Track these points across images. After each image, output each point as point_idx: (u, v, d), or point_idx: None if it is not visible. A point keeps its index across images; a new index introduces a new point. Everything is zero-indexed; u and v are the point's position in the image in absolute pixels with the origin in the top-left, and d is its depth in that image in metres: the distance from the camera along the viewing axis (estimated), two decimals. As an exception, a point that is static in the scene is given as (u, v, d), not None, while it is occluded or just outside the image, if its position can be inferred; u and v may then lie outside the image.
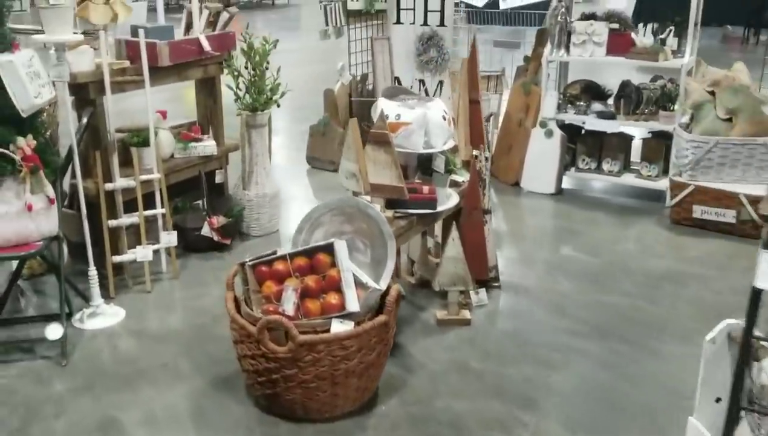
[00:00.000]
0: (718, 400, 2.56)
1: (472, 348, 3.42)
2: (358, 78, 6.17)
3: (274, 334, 2.74)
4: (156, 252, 4.09)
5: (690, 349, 3.40)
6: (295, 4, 21.13)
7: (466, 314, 3.66)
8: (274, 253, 3.01)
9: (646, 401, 3.02)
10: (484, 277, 3.86)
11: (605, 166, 5.55)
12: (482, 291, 3.84)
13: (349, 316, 2.78)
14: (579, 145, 5.63)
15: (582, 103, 5.48)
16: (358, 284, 2.85)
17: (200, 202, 4.84)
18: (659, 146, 5.40)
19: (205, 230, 4.40)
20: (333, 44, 6.51)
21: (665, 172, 5.42)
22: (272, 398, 2.86)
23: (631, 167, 5.61)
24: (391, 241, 2.95)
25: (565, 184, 5.68)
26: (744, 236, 4.66)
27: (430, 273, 3.84)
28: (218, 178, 4.75)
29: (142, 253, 3.97)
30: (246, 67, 4.53)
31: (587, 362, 3.30)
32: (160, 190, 4.09)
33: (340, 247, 2.83)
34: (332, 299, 2.80)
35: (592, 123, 5.45)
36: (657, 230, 4.92)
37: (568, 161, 5.64)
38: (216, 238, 4.41)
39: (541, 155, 5.53)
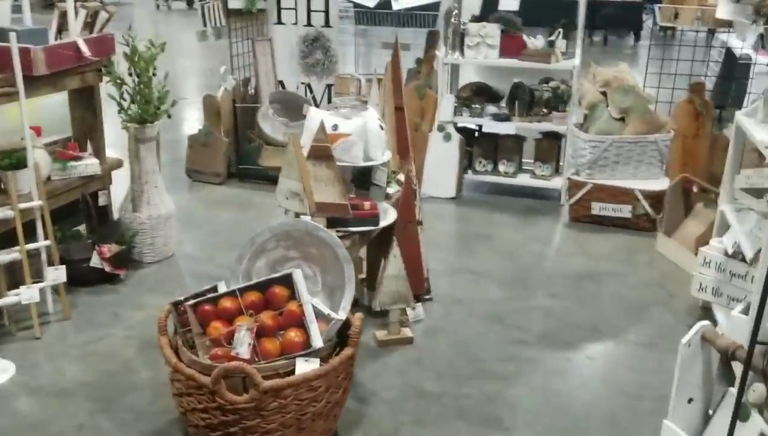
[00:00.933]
0: (690, 401, 2.56)
1: (422, 369, 3.23)
2: (241, 82, 5.77)
3: (229, 382, 2.39)
4: (41, 291, 3.52)
5: (626, 348, 3.46)
6: (126, 2, 19.77)
7: (407, 332, 3.46)
8: (214, 289, 2.65)
9: (606, 406, 2.99)
10: (422, 291, 3.69)
11: (501, 168, 5.58)
12: (418, 306, 3.66)
13: (314, 353, 2.48)
14: (475, 148, 5.61)
15: (476, 105, 5.47)
16: (320, 316, 2.56)
17: (80, 228, 4.27)
18: (551, 146, 5.51)
19: (95, 261, 3.86)
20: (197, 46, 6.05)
21: (557, 171, 5.55)
22: (228, 454, 2.50)
23: (525, 168, 5.69)
24: (348, 265, 2.69)
25: (465, 185, 5.65)
26: (639, 229, 4.85)
27: (359, 292, 3.61)
28: (102, 201, 4.20)
29: (28, 293, 3.39)
30: (130, 75, 4.03)
31: (540, 372, 3.22)
32: (43, 219, 3.52)
33: (298, 277, 2.52)
34: (293, 335, 2.49)
35: (488, 125, 5.46)
36: (559, 228, 5.01)
37: (466, 165, 5.60)
38: (108, 269, 3.88)
39: (441, 159, 5.45)
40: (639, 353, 3.41)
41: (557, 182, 5.45)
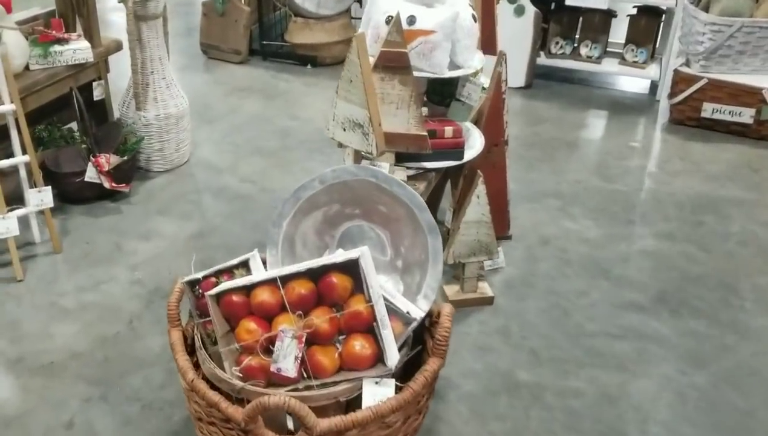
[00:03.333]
0: None
1: (511, 346, 2.48)
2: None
3: (269, 414, 1.66)
4: (22, 218, 2.76)
5: (782, 322, 2.66)
6: None
7: (486, 288, 2.70)
8: (245, 264, 1.86)
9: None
10: (505, 233, 2.88)
11: (583, 51, 4.58)
12: (499, 251, 2.87)
13: (388, 372, 1.73)
14: (552, 25, 4.59)
15: (559, -29, 4.38)
16: (394, 313, 1.78)
17: (73, 127, 3.44)
18: (650, 26, 4.46)
19: (91, 175, 3.06)
20: None
21: (652, 57, 4.54)
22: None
23: (612, 50, 4.67)
24: (434, 236, 1.87)
25: (536, 72, 4.68)
26: (761, 138, 3.93)
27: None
28: (97, 94, 3.34)
29: (3, 225, 2.64)
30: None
31: (669, 357, 2.46)
32: (18, 127, 2.69)
33: (367, 262, 1.71)
34: (359, 346, 1.72)
35: (573, -3, 4.39)
36: (658, 134, 4.10)
37: (538, 45, 4.60)
38: (108, 185, 3.09)
39: (509, 39, 4.43)
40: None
41: (653, 72, 4.45)
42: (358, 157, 1.97)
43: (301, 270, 1.73)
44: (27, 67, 3.00)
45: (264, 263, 1.93)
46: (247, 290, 1.76)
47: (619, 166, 3.70)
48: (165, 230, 3.03)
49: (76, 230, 3.00)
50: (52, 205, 2.80)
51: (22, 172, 2.77)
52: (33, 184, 2.79)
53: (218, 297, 1.77)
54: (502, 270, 2.85)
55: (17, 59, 2.91)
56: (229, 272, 1.88)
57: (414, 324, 1.78)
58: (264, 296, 1.74)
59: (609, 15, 4.54)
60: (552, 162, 3.73)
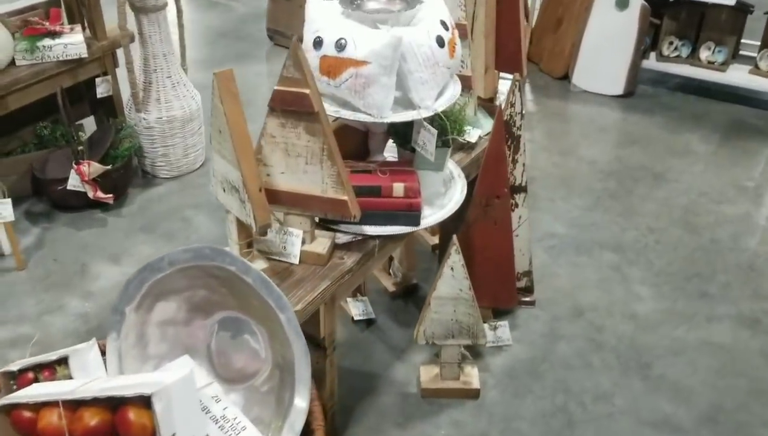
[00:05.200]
0: None
1: (481, 463, 1.91)
2: None
3: None
4: (-18, 231, 2.55)
5: None
6: None
7: (472, 377, 2.12)
8: (51, 371, 1.45)
9: None
10: (511, 304, 2.27)
11: (704, 54, 3.70)
12: (503, 326, 2.27)
13: None
14: (666, 22, 3.74)
15: (677, -46, 3.53)
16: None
17: (83, 123, 3.21)
18: (794, 26, 3.51)
19: (74, 183, 2.79)
20: None
21: (797, 65, 3.58)
22: None
23: (745, 54, 3.75)
24: (298, 340, 1.36)
25: (640, 77, 3.86)
26: None
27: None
28: (101, 91, 3.06)
29: (-50, 241, 2.43)
30: None
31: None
32: (-25, 134, 2.46)
33: (171, 400, 1.23)
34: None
35: (691, -12, 3.53)
36: (785, 168, 3.20)
37: (647, 45, 3.77)
38: (91, 194, 2.81)
39: (608, 37, 3.67)
40: None
41: (794, 85, 3.51)
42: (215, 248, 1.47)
43: (100, 396, 1.29)
44: (13, 63, 2.76)
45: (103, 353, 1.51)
46: (36, 408, 1.35)
47: (713, 213, 2.90)
48: (139, 252, 2.70)
49: (50, 244, 2.75)
50: (12, 219, 2.55)
51: (-16, 182, 2.55)
52: (2, 194, 2.55)
53: (8, 410, 1.38)
54: (508, 349, 2.25)
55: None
56: (51, 367, 1.48)
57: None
58: (52, 419, 1.32)
59: (742, 11, 3.62)
60: (626, 199, 2.99)
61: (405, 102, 1.68)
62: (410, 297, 2.46)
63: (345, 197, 1.57)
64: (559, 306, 2.43)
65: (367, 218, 1.71)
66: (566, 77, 3.93)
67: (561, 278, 2.56)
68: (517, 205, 2.20)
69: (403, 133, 1.80)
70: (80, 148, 2.84)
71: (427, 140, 1.66)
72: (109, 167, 2.82)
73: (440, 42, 1.64)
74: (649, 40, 3.76)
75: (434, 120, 1.70)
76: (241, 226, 1.53)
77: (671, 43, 3.74)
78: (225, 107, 1.37)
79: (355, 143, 1.86)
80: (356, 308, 2.35)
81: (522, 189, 2.19)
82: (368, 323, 2.35)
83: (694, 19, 3.68)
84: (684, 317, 2.38)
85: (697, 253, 2.67)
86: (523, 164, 2.14)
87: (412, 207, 1.72)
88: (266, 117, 1.53)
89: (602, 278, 2.56)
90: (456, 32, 1.72)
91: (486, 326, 2.25)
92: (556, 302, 2.45)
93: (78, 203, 2.88)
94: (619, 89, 3.75)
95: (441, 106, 1.67)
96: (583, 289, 2.51)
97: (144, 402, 1.26)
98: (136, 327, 1.50)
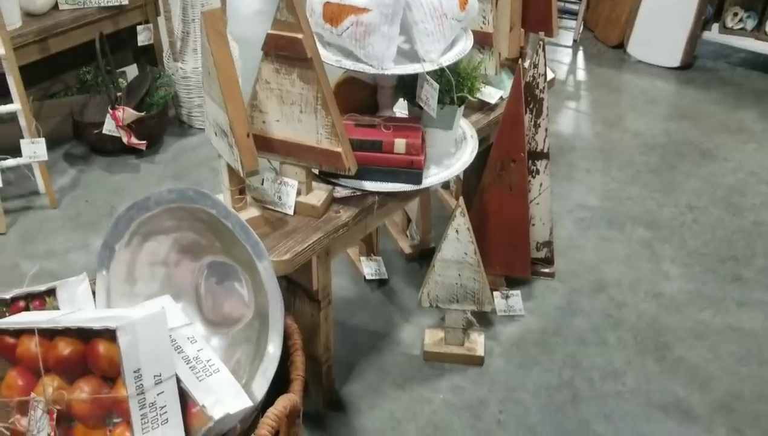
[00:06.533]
0: None
1: (475, 433, 1.87)
2: None
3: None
4: (13, 169, 2.64)
5: None
6: None
7: (477, 344, 2.07)
8: (41, 301, 1.48)
9: None
10: (524, 273, 2.20)
11: (771, 27, 3.47)
12: (515, 295, 2.21)
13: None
14: (732, -10, 3.53)
15: None
16: (190, 400, 1.30)
17: (126, 70, 3.27)
18: None
19: (109, 128, 2.85)
20: None
21: None
22: None
23: (815, 30, 3.50)
24: (273, 288, 1.35)
25: (700, 50, 3.66)
26: None
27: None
28: (142, 39, 3.09)
29: (-15, 176, 2.52)
30: None
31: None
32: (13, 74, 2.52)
33: (130, 333, 1.23)
34: (126, 439, 1.28)
35: (761, -46, 3.29)
36: None
37: (709, 16, 3.56)
38: (125, 139, 2.86)
39: (667, 5, 3.48)
40: None
41: None
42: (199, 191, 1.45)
43: (72, 327, 1.31)
44: (56, 7, 2.82)
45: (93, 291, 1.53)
46: (18, 334, 1.38)
47: (761, 195, 2.73)
48: (167, 199, 2.74)
49: (84, 186, 2.82)
50: (45, 158, 2.62)
51: (22, 122, 2.61)
52: (28, 134, 2.62)
53: (-7, 334, 1.42)
54: (519, 319, 2.19)
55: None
56: (42, 297, 1.51)
57: (210, 424, 1.29)
58: (30, 346, 1.35)
59: (817, -20, 3.37)
60: (667, 175, 2.85)
61: (412, 55, 1.63)
62: (426, 260, 2.41)
63: (339, 149, 1.54)
64: (581, 280, 2.34)
65: (367, 174, 1.67)
66: (621, 46, 3.75)
67: (586, 252, 2.46)
68: (537, 172, 2.12)
69: (411, 87, 1.74)
70: (118, 94, 2.89)
71: (429, 95, 1.60)
72: (142, 114, 2.86)
73: (451, -9, 1.57)
74: (711, 10, 3.55)
75: (442, 75, 1.64)
76: (233, 171, 1.52)
77: (736, 14, 3.51)
78: (212, 47, 1.35)
79: (363, 97, 1.81)
80: (369, 268, 2.33)
81: (544, 155, 2.10)
82: (380, 283, 2.33)
83: (763, -12, 3.45)
84: (712, 299, 2.26)
85: (736, 235, 2.53)
86: (546, 129, 2.06)
87: (413, 164, 1.67)
88: (260, 62, 1.50)
89: (630, 254, 2.45)
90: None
91: (498, 294, 2.20)
92: (577, 275, 2.36)
93: (114, 148, 2.94)
94: (675, 61, 3.56)
95: (448, 60, 1.61)
96: (608, 264, 2.41)
97: (112, 336, 1.27)
98: (125, 264, 1.51)
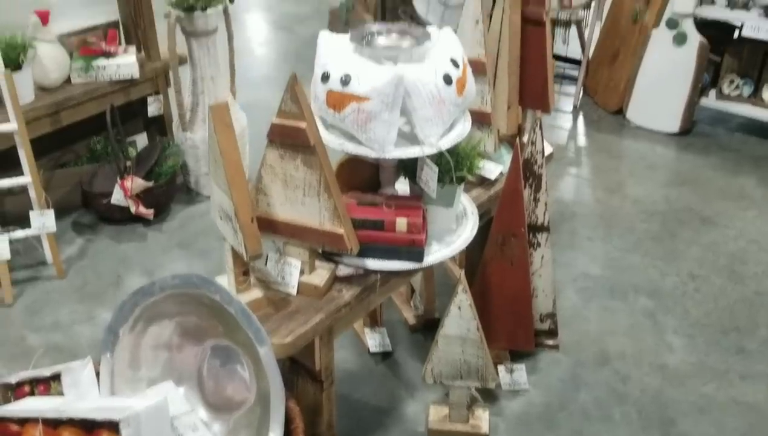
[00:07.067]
0: None
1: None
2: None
3: None
4: (17, 240, 2.68)
5: None
6: None
7: (482, 420, 2.06)
8: (46, 386, 1.50)
9: None
10: (528, 347, 2.20)
11: (766, 94, 3.53)
12: (520, 369, 2.21)
13: None
14: (727, 59, 3.60)
15: (742, -10, 3.40)
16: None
17: (136, 139, 3.34)
18: None
19: (118, 198, 2.90)
20: None
21: None
22: None
23: (811, 97, 3.56)
24: (273, 374, 1.36)
25: (698, 115, 3.72)
26: None
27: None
28: (152, 110, 3.17)
29: (-7, 247, 2.56)
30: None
31: None
32: (25, 147, 2.59)
33: (135, 428, 1.25)
34: None
35: (756, 24, 3.36)
36: None
37: (706, 83, 3.64)
38: (133, 209, 2.91)
39: (665, 72, 3.56)
40: None
41: None
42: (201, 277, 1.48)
43: (75, 417, 1.32)
44: (69, 81, 2.90)
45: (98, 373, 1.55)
46: (22, 422, 1.39)
47: (763, 263, 2.75)
48: (173, 268, 2.78)
49: (92, 255, 2.86)
50: (54, 229, 2.66)
51: (31, 193, 2.66)
52: (38, 205, 2.67)
53: (-2, 420, 1.43)
54: (524, 393, 2.18)
55: (53, 73, 2.81)
56: (46, 382, 1.53)
57: None
58: (34, 434, 1.36)
59: (811, 50, 3.44)
60: (669, 242, 2.87)
61: (413, 137, 1.67)
62: (430, 331, 2.41)
63: (341, 231, 1.57)
64: (585, 352, 2.34)
65: (369, 252, 1.70)
66: (621, 111, 3.82)
67: (590, 322, 2.47)
68: (539, 245, 2.14)
69: (412, 167, 1.78)
70: (127, 163, 2.95)
71: (429, 177, 1.64)
72: (150, 184, 2.91)
73: (448, 80, 1.62)
74: (708, 77, 3.62)
75: (442, 157, 1.68)
76: (237, 254, 1.55)
77: (732, 81, 3.59)
78: (219, 138, 1.40)
79: (366, 174, 1.86)
80: (373, 339, 2.33)
81: (544, 228, 2.13)
82: (384, 355, 2.33)
83: (756, 57, 3.52)
84: (716, 372, 2.25)
85: (738, 305, 2.53)
86: (545, 203, 2.09)
87: (414, 243, 1.70)
88: (266, 148, 1.54)
89: (634, 325, 2.46)
90: (468, 70, 1.70)
91: (502, 368, 2.20)
92: (581, 347, 2.36)
93: (122, 217, 2.98)
94: (674, 127, 3.62)
95: (447, 143, 1.65)
96: (612, 335, 2.41)
97: (116, 428, 1.28)
98: (129, 349, 1.53)
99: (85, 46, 2.91)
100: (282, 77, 4.44)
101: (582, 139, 3.73)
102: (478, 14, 1.88)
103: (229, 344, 1.52)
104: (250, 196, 1.53)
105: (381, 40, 1.68)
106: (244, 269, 1.59)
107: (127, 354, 1.53)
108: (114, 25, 3.10)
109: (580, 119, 3.90)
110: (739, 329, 2.42)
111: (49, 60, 2.79)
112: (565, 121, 3.90)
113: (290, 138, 1.49)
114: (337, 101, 1.60)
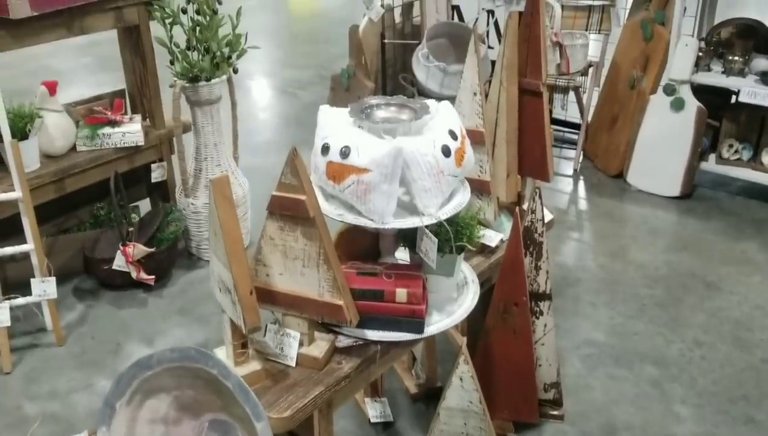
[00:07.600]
0: None
1: None
2: (399, 9, 4.35)
3: None
4: (17, 307, 2.67)
5: None
6: None
7: (486, 493, 2.00)
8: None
9: None
10: (532, 418, 2.16)
11: (766, 159, 3.56)
12: (524, 440, 2.16)
13: None
14: (725, 124, 3.65)
15: (737, 57, 3.46)
16: None
17: (139, 205, 3.36)
18: None
19: (119, 263, 2.90)
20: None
21: None
22: None
23: (810, 161, 3.59)
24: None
25: (698, 180, 3.74)
26: None
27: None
28: (155, 176, 3.20)
29: (-5, 315, 2.55)
30: (185, 12, 2.88)
31: None
32: (29, 215, 2.60)
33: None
34: None
35: (753, 90, 3.42)
36: None
37: (705, 147, 3.67)
38: (135, 275, 2.90)
39: (664, 137, 3.60)
40: None
41: None
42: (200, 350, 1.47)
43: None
44: (74, 149, 2.94)
45: (93, 449, 1.52)
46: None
47: (768, 329, 2.72)
48: (172, 335, 2.76)
49: (92, 321, 2.84)
50: (55, 296, 2.65)
51: (34, 260, 2.67)
52: (40, 273, 2.67)
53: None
54: (527, 466, 2.14)
55: (59, 141, 2.85)
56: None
57: None
58: None
59: (808, 115, 3.49)
60: (673, 309, 2.85)
61: (412, 207, 1.68)
62: (432, 400, 2.37)
63: (341, 302, 1.56)
64: (590, 423, 2.30)
65: (369, 323, 1.69)
66: (621, 175, 3.84)
67: (595, 391, 2.43)
68: (541, 313, 2.13)
69: (412, 236, 1.79)
70: (130, 229, 2.97)
71: (428, 248, 1.64)
72: (152, 250, 2.92)
73: (446, 151, 1.64)
74: (707, 142, 3.66)
75: (441, 227, 1.68)
76: (236, 326, 1.53)
77: (731, 145, 3.62)
78: (219, 211, 1.41)
79: (366, 243, 1.86)
80: (373, 409, 2.29)
81: (546, 296, 2.11)
82: (385, 425, 2.29)
83: (754, 122, 3.56)
84: (730, 445, 2.20)
85: (745, 373, 2.49)
86: (547, 271, 2.08)
87: (414, 314, 1.69)
88: (266, 220, 1.55)
89: (640, 394, 2.41)
90: (466, 141, 1.72)
91: (504, 439, 2.16)
92: (587, 417, 2.31)
93: (123, 282, 2.98)
94: (675, 191, 3.64)
95: (446, 214, 1.66)
96: (618, 404, 2.37)
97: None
98: (126, 423, 1.50)
99: (91, 115, 2.96)
100: (284, 142, 4.51)
101: (583, 204, 3.75)
102: (476, 86, 1.92)
103: (226, 419, 1.50)
104: (250, 267, 1.53)
105: (380, 113, 1.71)
106: (242, 341, 1.57)
107: (124, 428, 1.50)
108: (120, 94, 3.17)
109: (581, 183, 3.93)
110: (747, 398, 2.37)
111: (56, 129, 2.83)
112: (565, 185, 3.92)
113: (290, 210, 1.50)
114: (336, 173, 1.61)
